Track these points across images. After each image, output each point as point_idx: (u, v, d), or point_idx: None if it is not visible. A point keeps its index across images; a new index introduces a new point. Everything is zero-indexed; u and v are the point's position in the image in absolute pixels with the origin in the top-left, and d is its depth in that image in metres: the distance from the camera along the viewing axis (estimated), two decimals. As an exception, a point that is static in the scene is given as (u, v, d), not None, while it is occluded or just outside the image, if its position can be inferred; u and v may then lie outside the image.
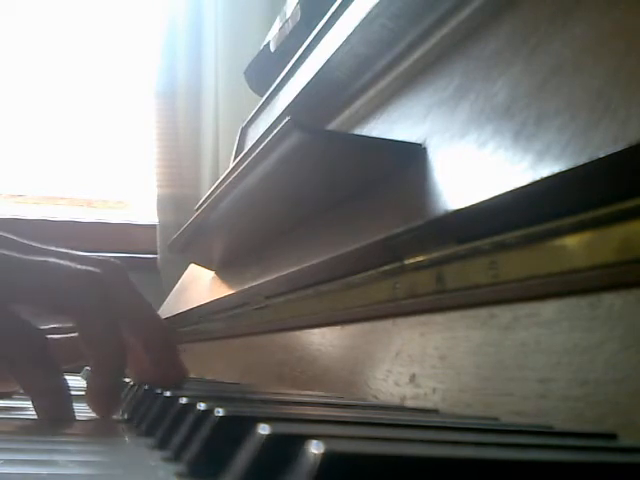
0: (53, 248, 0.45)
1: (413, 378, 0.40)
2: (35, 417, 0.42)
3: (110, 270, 0.44)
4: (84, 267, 0.43)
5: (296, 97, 0.64)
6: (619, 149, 0.25)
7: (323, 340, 0.55)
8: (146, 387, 0.44)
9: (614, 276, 0.27)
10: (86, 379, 0.45)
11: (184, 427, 0.28)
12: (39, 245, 0.45)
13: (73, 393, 0.42)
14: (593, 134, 0.27)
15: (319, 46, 0.62)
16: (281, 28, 0.85)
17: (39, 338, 0.41)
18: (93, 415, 0.43)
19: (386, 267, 0.43)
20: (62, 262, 0.42)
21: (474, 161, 0.35)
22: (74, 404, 0.42)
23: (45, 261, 0.42)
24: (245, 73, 1.02)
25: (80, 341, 0.43)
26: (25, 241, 0.44)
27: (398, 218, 0.40)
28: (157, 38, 1.70)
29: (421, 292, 0.40)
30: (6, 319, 0.40)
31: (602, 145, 0.26)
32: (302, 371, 0.58)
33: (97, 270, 0.43)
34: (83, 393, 0.43)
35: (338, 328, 0.53)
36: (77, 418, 0.42)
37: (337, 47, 0.55)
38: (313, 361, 0.55)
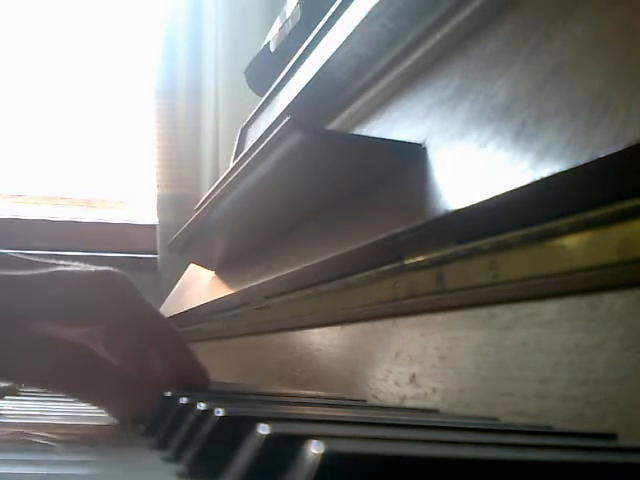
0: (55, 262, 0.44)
1: (413, 378, 0.40)
2: (34, 417, 0.42)
3: (116, 275, 0.43)
4: (94, 269, 0.42)
5: (296, 97, 0.64)
6: (619, 149, 0.25)
7: (323, 340, 0.55)
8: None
9: (614, 276, 0.27)
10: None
11: (184, 427, 0.28)
12: (42, 260, 0.43)
13: None
14: (593, 134, 0.27)
15: (319, 46, 0.62)
16: (281, 28, 0.85)
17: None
18: (93, 415, 0.43)
19: (386, 267, 0.43)
20: (71, 269, 0.41)
21: (474, 161, 0.35)
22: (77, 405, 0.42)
23: (54, 271, 0.41)
24: (245, 73, 1.02)
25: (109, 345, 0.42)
26: (26, 257, 0.43)
27: (398, 218, 0.40)
28: (157, 38, 1.70)
29: (421, 292, 0.40)
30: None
31: (602, 145, 0.26)
32: (302, 371, 0.58)
33: (108, 269, 0.42)
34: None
35: (338, 328, 0.53)
36: (77, 418, 0.42)
37: (337, 47, 0.55)
38: (313, 361, 0.55)
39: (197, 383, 0.43)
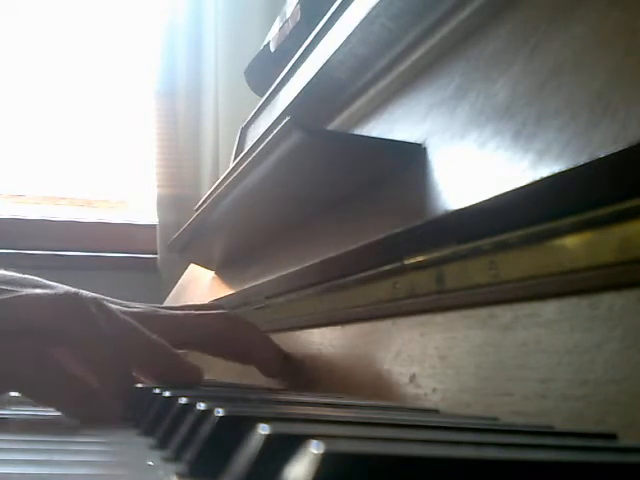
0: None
1: (413, 378, 0.40)
2: (33, 416, 0.42)
3: (78, 297, 0.43)
4: (54, 292, 0.42)
5: (296, 97, 0.64)
6: (619, 149, 0.25)
7: (323, 340, 0.55)
8: (144, 386, 0.44)
9: (614, 276, 0.27)
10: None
11: (184, 427, 0.28)
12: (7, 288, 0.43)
13: None
14: (593, 134, 0.27)
15: (319, 46, 0.62)
16: (281, 28, 0.85)
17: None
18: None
19: (386, 267, 0.43)
20: (36, 291, 0.42)
21: (474, 161, 0.35)
22: None
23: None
24: (245, 73, 1.02)
25: (82, 363, 0.42)
26: None
27: (398, 218, 0.40)
28: (157, 38, 1.70)
29: (421, 292, 0.40)
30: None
31: (602, 145, 0.26)
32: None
33: (70, 291, 0.43)
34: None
35: (338, 328, 0.53)
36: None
37: (337, 47, 0.55)
38: (313, 361, 0.55)
39: (189, 382, 0.44)
